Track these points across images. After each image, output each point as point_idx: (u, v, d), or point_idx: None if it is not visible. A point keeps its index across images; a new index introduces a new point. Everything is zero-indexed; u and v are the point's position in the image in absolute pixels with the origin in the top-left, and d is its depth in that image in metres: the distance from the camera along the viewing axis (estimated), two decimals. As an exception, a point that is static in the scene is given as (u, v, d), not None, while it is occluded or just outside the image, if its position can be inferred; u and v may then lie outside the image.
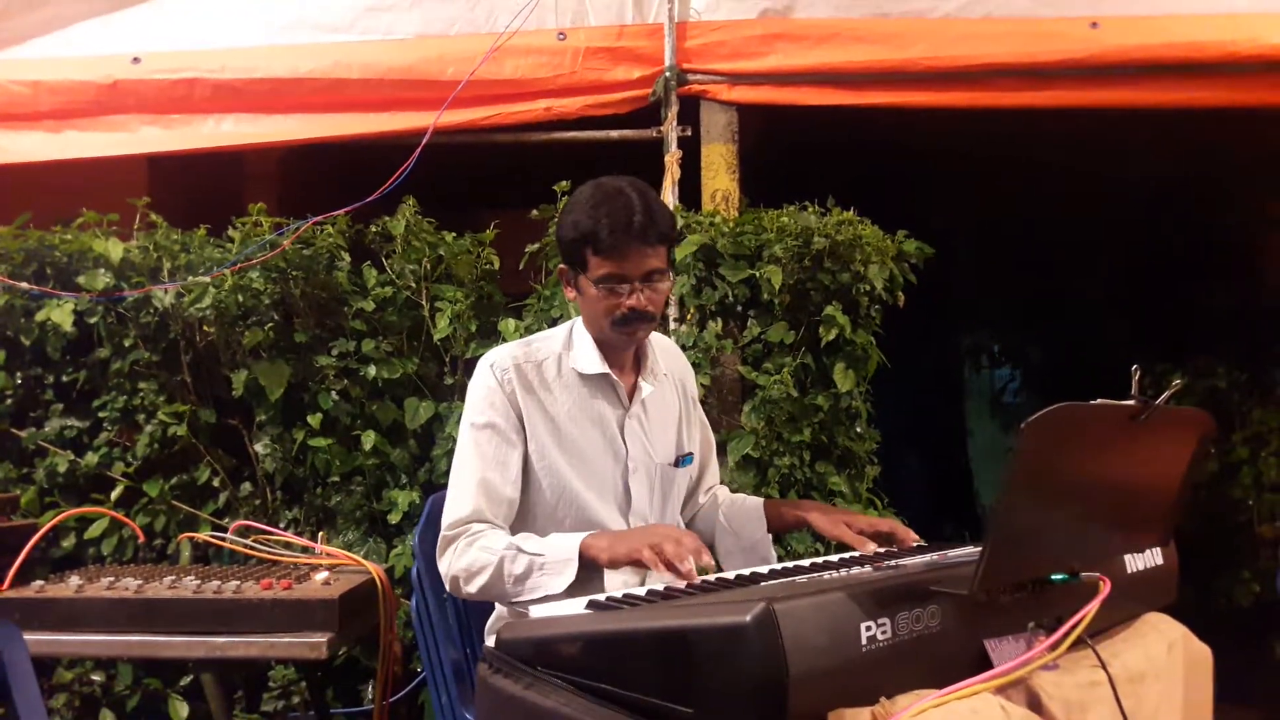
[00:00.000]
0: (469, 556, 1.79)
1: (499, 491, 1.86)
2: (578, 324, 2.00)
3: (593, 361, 1.93)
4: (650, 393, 2.00)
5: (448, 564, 1.83)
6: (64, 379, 3.00)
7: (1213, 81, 3.13)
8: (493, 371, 1.91)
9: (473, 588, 1.79)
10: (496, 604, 1.99)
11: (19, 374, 2.99)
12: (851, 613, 1.13)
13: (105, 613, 1.98)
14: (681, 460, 2.07)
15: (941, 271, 3.27)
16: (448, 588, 1.86)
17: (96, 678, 2.87)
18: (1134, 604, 1.57)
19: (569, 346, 1.97)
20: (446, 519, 1.85)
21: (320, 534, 2.53)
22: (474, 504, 1.83)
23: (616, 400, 1.97)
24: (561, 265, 1.93)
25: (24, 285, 2.92)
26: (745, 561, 2.09)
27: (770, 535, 2.08)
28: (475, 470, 1.86)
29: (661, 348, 2.10)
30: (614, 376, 1.94)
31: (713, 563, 1.62)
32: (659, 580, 1.59)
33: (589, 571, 1.70)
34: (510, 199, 3.36)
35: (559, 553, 1.72)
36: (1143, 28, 3.12)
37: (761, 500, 2.13)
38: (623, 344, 1.93)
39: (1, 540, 2.17)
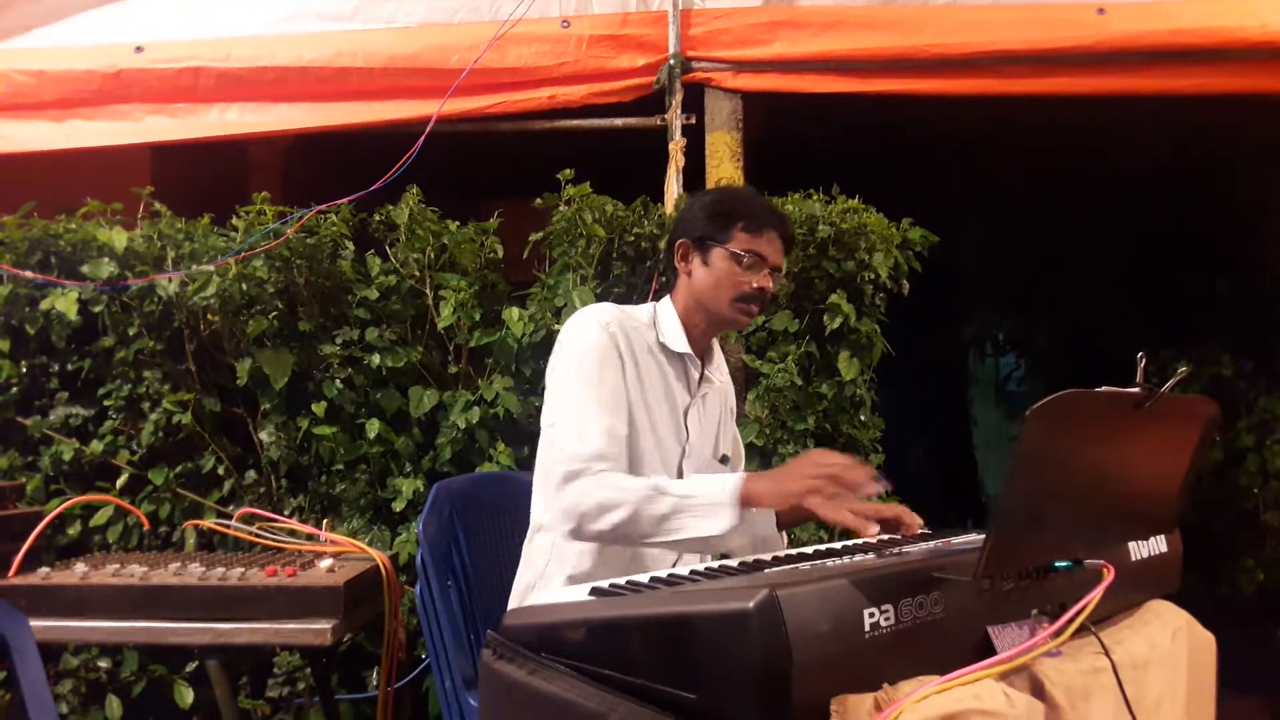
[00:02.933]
0: (601, 493, 1.72)
1: (617, 434, 1.83)
2: (663, 305, 2.05)
3: (680, 340, 2.00)
4: (714, 387, 2.09)
5: (574, 498, 1.75)
6: (69, 367, 3.01)
7: (1219, 67, 3.12)
8: (598, 323, 1.91)
9: (604, 524, 1.72)
10: (515, 588, 1.99)
11: (24, 362, 3.00)
12: (855, 599, 1.13)
13: (111, 599, 1.99)
14: (724, 459, 2.13)
15: (946, 259, 3.26)
16: (568, 524, 1.77)
17: (102, 664, 2.89)
18: (1138, 591, 1.57)
19: (654, 324, 2.02)
20: (569, 451, 1.78)
21: (325, 521, 2.54)
22: (599, 442, 1.79)
23: (687, 385, 2.03)
24: (683, 240, 2.00)
25: (29, 274, 2.93)
26: (754, 550, 2.09)
27: (780, 530, 2.09)
28: (594, 412, 1.82)
29: (719, 356, 2.18)
30: (694, 357, 2.02)
31: (883, 487, 1.66)
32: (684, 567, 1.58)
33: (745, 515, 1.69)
34: (514, 188, 3.36)
35: (711, 495, 1.68)
36: (1149, 13, 3.11)
37: None
38: (730, 324, 2.03)
39: (7, 528, 2.18)
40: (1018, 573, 1.31)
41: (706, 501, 1.68)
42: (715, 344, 2.14)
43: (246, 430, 3.03)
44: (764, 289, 1.95)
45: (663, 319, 2.03)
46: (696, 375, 2.05)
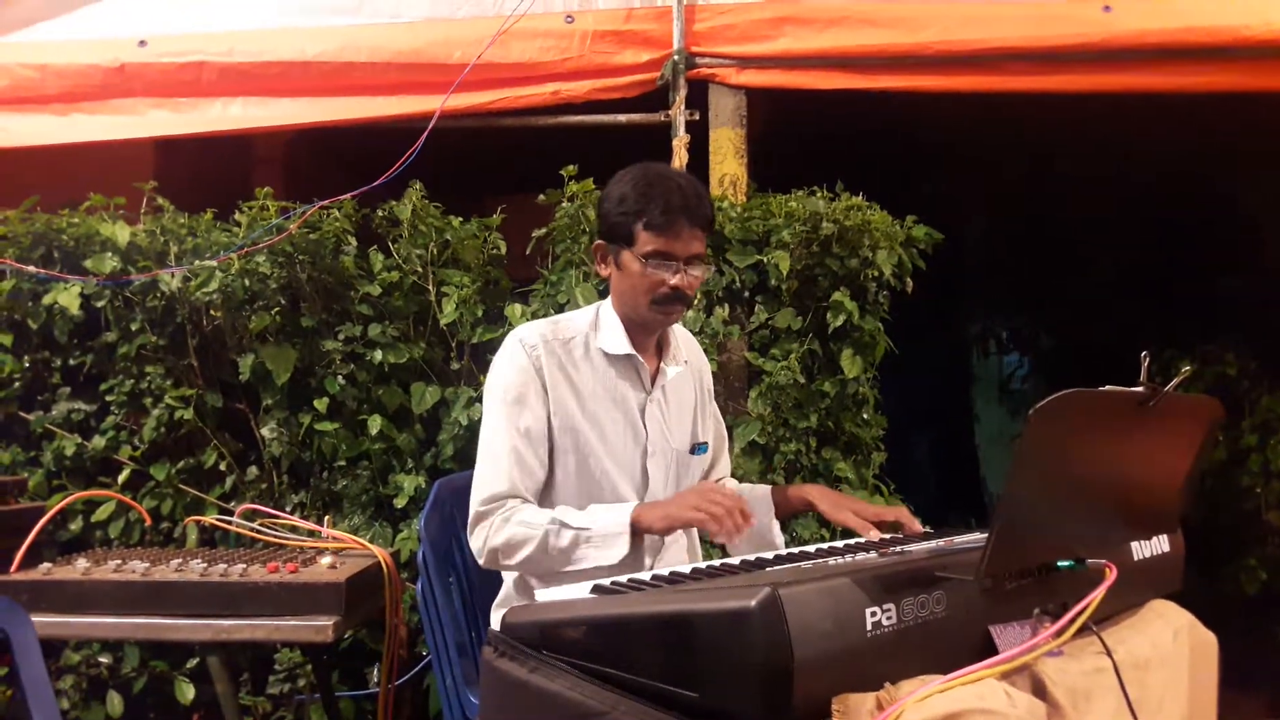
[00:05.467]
0: (507, 531, 1.79)
1: (530, 466, 1.87)
2: (605, 306, 2.01)
3: (620, 342, 1.95)
4: (673, 377, 2.03)
5: (483, 539, 1.82)
6: (71, 362, 3.01)
7: (1225, 65, 3.10)
8: (521, 346, 1.92)
9: (513, 561, 1.80)
10: (502, 587, 2.00)
11: (26, 357, 2.99)
12: (857, 598, 1.13)
13: (112, 595, 1.99)
14: (697, 448, 2.10)
15: (951, 257, 3.26)
16: (482, 562, 1.85)
17: (104, 660, 2.89)
18: (1140, 591, 1.56)
19: (595, 327, 1.99)
20: (480, 494, 1.85)
21: (326, 518, 2.53)
22: (509, 479, 1.84)
23: (639, 383, 1.99)
24: (599, 241, 1.94)
25: (31, 269, 2.93)
26: (753, 547, 2.09)
27: (777, 521, 2.09)
28: (507, 444, 1.86)
29: (682, 337, 2.13)
30: (639, 358, 1.97)
31: (756, 522, 1.66)
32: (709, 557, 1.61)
33: (638, 543, 1.72)
34: (517, 184, 3.35)
35: (607, 526, 1.72)
36: (1155, 11, 3.10)
37: (769, 487, 2.14)
38: (655, 324, 1.95)
39: (9, 523, 2.18)
40: (1020, 572, 1.30)
41: (602, 532, 1.73)
42: (673, 329, 2.06)
43: (248, 426, 3.03)
44: (678, 288, 1.86)
45: (603, 322, 1.99)
46: (649, 373, 2.00)
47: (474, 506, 1.85)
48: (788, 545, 2.04)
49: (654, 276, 1.85)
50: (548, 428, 1.90)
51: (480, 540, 1.83)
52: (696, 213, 1.85)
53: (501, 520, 1.81)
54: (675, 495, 1.79)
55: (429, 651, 2.15)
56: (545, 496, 1.93)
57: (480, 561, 1.86)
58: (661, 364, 2.02)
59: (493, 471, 1.85)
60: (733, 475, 2.33)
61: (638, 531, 1.73)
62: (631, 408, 1.97)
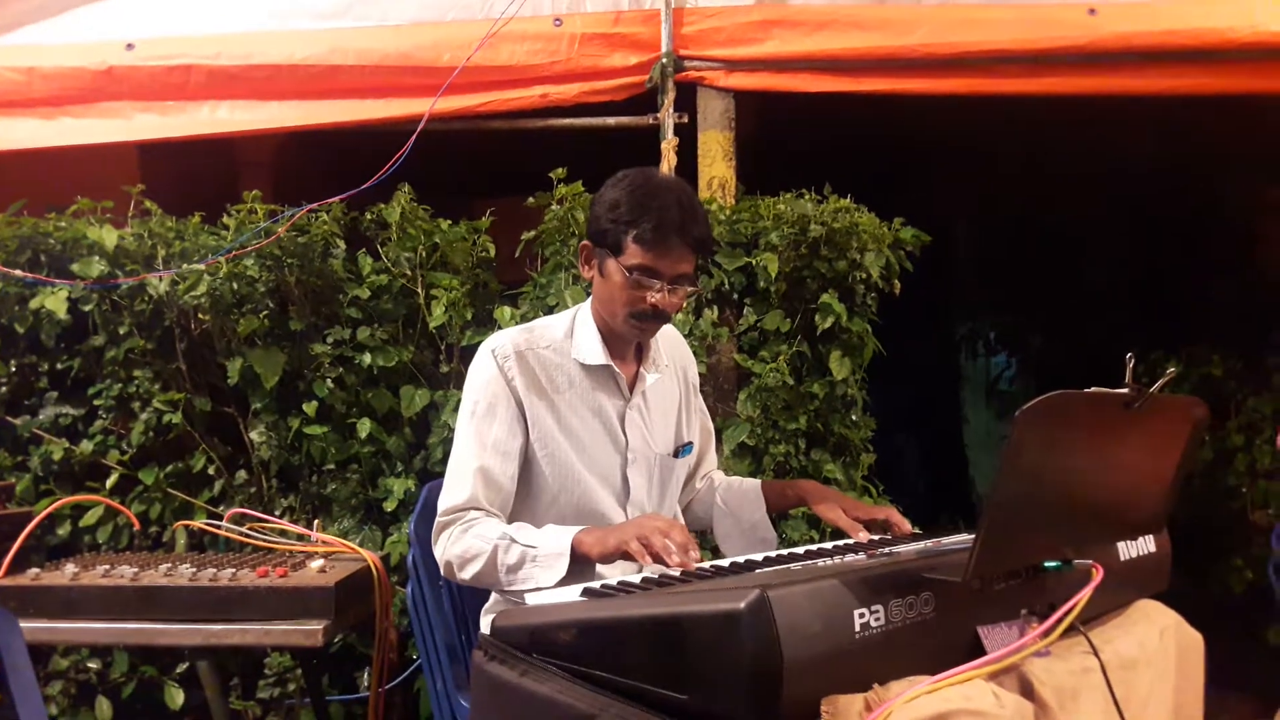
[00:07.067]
0: (463, 543, 1.78)
1: (496, 479, 1.85)
2: (582, 311, 1.98)
3: (595, 352, 1.92)
4: (652, 383, 1.99)
5: (442, 549, 1.82)
6: (59, 367, 3.00)
7: (1210, 68, 3.12)
8: (494, 357, 1.90)
9: (466, 574, 1.79)
10: (492, 591, 2.00)
11: (14, 362, 2.98)
12: (845, 600, 1.14)
13: (101, 600, 1.98)
14: (681, 450, 2.08)
15: (939, 259, 3.27)
16: (442, 572, 1.85)
17: (92, 665, 2.88)
18: (1127, 591, 1.57)
19: (571, 335, 1.96)
20: (442, 505, 1.85)
21: (316, 522, 2.53)
22: (470, 491, 1.82)
23: (617, 391, 1.97)
24: (586, 242, 1.90)
25: (18, 273, 2.91)
26: (745, 542, 2.09)
27: (768, 516, 2.09)
28: (474, 457, 1.85)
29: (664, 335, 2.10)
30: (615, 368, 1.93)
31: (699, 556, 1.60)
32: (652, 571, 1.60)
33: (581, 566, 1.69)
34: (506, 186, 3.35)
35: (552, 546, 1.71)
36: (1140, 13, 3.12)
37: (759, 481, 2.14)
38: (630, 337, 1.93)
39: (-4, 528, 2.17)
40: (1008, 573, 1.31)
41: (547, 552, 1.71)
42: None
43: (237, 430, 3.02)
44: (657, 306, 1.81)
45: (579, 329, 1.95)
46: (627, 380, 1.97)
47: (437, 518, 1.85)
48: (777, 547, 2.04)
49: (635, 291, 1.81)
50: (524, 441, 1.88)
51: (440, 551, 1.83)
52: (690, 233, 1.78)
53: (461, 531, 1.80)
54: (622, 524, 1.76)
55: (419, 655, 2.15)
56: (528, 510, 1.91)
57: (441, 572, 1.86)
58: (641, 369, 1.98)
59: (456, 484, 1.84)
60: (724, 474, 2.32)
61: (577, 556, 1.69)
62: (610, 416, 1.95)
